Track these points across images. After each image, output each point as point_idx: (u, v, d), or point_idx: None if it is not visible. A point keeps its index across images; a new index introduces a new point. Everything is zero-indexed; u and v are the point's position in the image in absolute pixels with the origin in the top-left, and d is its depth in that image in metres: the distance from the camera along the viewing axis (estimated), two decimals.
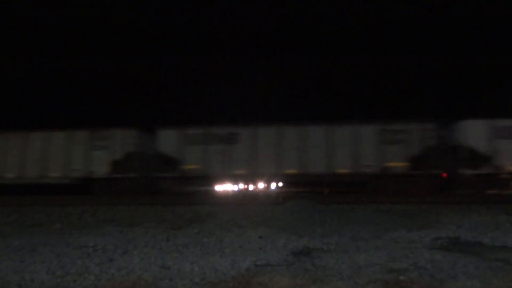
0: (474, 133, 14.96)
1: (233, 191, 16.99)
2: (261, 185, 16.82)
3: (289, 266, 4.28)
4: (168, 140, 16.67)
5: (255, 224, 7.20)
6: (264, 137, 16.13)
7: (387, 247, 5.20)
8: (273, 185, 16.85)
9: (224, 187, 16.98)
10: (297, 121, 16.86)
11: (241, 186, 17.03)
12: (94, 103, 31.28)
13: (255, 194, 16.31)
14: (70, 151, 17.26)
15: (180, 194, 16.07)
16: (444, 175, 15.37)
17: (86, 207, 10.48)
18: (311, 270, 4.09)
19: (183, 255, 4.88)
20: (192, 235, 6.36)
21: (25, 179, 17.45)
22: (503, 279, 3.72)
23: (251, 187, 17.07)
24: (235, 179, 16.51)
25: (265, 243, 5.57)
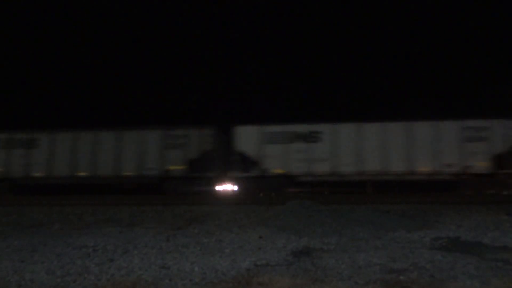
0: (245, 138, 16.08)
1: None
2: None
3: (289, 266, 4.28)
4: None
5: (255, 224, 7.20)
6: (61, 141, 17.34)
7: (387, 247, 5.20)
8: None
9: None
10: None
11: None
12: None
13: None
14: None
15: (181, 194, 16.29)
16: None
17: (86, 207, 10.48)
18: (311, 270, 4.09)
19: (183, 255, 4.88)
20: (192, 235, 6.36)
21: None
22: (503, 279, 3.72)
23: None
24: (36, 182, 17.49)
25: (265, 243, 5.57)
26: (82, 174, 16.94)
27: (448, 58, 38.00)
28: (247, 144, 16.04)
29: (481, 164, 14.99)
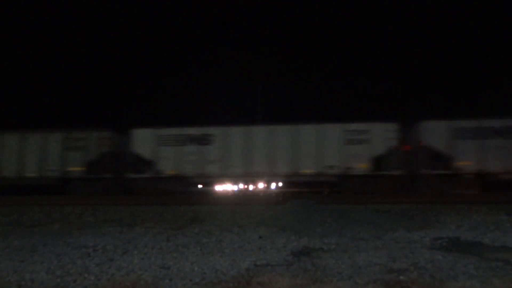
0: (141, 140, 16.89)
1: None
2: None
3: (289, 266, 4.28)
4: None
5: (255, 224, 7.20)
6: None
7: (387, 247, 5.20)
8: None
9: None
10: None
11: None
12: None
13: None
14: None
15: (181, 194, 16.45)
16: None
17: (86, 207, 10.48)
18: (311, 270, 4.09)
19: (183, 255, 4.88)
20: (192, 235, 6.36)
21: None
22: (503, 279, 3.72)
23: None
24: None
25: (265, 243, 5.57)
26: None
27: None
28: (143, 146, 16.71)
29: (361, 166, 15.55)
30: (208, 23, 45.93)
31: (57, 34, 44.89)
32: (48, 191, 16.91)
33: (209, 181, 16.88)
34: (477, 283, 3.60)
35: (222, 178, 16.52)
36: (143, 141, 16.71)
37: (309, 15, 43.06)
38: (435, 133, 15.33)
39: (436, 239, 5.74)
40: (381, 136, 15.52)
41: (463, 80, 33.68)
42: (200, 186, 17.44)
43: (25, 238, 6.22)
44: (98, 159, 16.96)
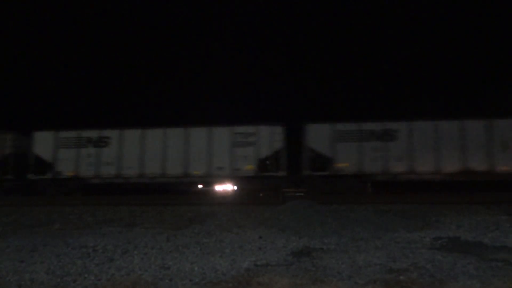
0: (42, 142, 17.41)
1: None
2: None
3: (289, 266, 4.28)
4: None
5: (255, 224, 7.20)
6: None
7: (387, 247, 5.20)
8: None
9: None
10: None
11: None
12: None
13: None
14: None
15: (180, 194, 16.57)
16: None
17: (86, 207, 10.48)
18: (311, 270, 4.09)
19: (183, 255, 4.88)
20: (192, 235, 6.36)
21: None
22: (503, 279, 3.72)
23: None
24: None
25: (265, 243, 5.57)
26: None
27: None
28: (44, 148, 17.10)
29: (247, 168, 16.06)
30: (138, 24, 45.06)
31: None
32: None
33: (107, 183, 17.27)
34: (477, 283, 3.60)
35: (116, 179, 16.91)
36: (44, 143, 17.18)
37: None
38: (317, 135, 15.95)
39: (436, 239, 5.73)
40: (268, 138, 16.10)
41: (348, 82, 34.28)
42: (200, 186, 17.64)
43: (25, 238, 6.21)
44: (0, 160, 17.37)
